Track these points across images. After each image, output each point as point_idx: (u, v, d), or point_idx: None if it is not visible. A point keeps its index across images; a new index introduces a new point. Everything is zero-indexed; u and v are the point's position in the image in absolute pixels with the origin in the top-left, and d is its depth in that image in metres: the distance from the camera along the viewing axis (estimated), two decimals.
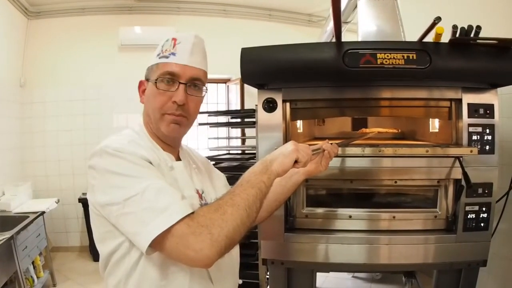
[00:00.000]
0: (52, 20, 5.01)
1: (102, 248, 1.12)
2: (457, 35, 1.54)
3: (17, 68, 4.85)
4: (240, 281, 1.38)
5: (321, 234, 1.86)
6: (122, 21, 5.12)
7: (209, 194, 1.28)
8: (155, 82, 1.17)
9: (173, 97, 1.16)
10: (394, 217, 1.84)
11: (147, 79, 1.22)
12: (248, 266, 3.11)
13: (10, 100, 4.69)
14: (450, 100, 1.80)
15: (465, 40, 1.56)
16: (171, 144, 1.27)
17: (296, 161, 1.19)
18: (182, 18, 5.35)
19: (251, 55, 1.69)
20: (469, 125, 1.73)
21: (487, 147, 1.73)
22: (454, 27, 1.53)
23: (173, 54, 1.18)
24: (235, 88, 5.64)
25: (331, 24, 2.32)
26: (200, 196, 1.23)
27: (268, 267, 1.93)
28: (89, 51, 5.01)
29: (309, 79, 1.73)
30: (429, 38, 1.61)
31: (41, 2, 4.87)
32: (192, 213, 0.98)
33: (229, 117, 3.98)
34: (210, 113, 3.66)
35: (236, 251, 1.34)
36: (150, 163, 1.07)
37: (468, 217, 1.74)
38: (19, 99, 4.89)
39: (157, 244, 0.95)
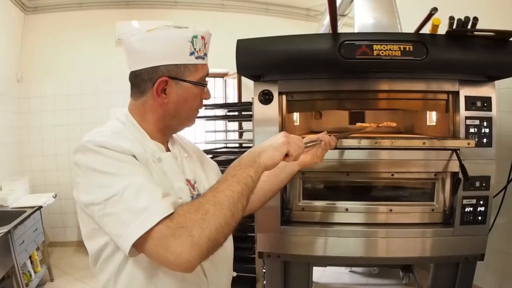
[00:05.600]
0: (49, 15, 4.99)
1: (90, 246, 1.09)
2: (454, 27, 1.53)
3: (14, 63, 4.83)
4: (234, 274, 1.36)
5: (318, 227, 1.86)
6: (119, 15, 5.09)
7: (202, 183, 1.25)
8: (198, 84, 1.16)
9: (204, 95, 1.21)
10: (391, 210, 1.83)
11: (177, 78, 1.12)
12: (244, 260, 3.10)
13: (7, 95, 4.68)
14: (447, 92, 1.79)
15: (462, 32, 1.54)
16: (169, 135, 1.26)
17: (287, 154, 1.13)
18: (179, 12, 5.32)
19: (246, 46, 1.68)
20: (467, 117, 1.72)
21: (485, 140, 1.72)
22: (451, 18, 1.52)
23: (206, 55, 1.18)
24: (232, 82, 5.63)
25: (327, 18, 2.31)
26: (193, 186, 1.20)
27: (264, 260, 1.93)
28: (86, 45, 4.98)
29: (305, 71, 1.71)
30: (426, 30, 1.60)
31: None
32: (173, 213, 0.92)
33: (226, 110, 3.97)
34: (207, 106, 3.64)
35: (230, 244, 1.31)
36: (134, 156, 1.01)
37: (466, 210, 1.74)
38: (16, 93, 4.87)
39: (139, 246, 0.90)
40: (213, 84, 5.89)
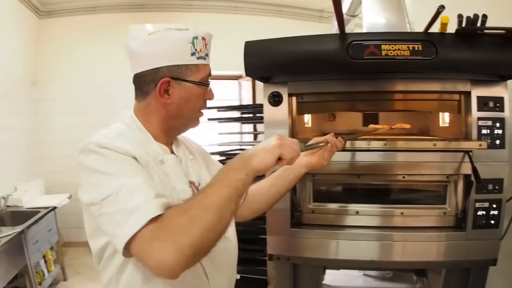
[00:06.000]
0: (63, 19, 5.07)
1: (93, 244, 1.11)
2: (463, 25, 1.50)
3: (29, 66, 4.92)
4: (238, 276, 1.36)
5: (328, 229, 1.83)
6: (133, 19, 5.12)
7: None
8: (200, 84, 1.17)
9: (206, 95, 1.22)
10: (402, 213, 1.80)
11: (179, 78, 1.13)
12: (256, 262, 3.09)
13: (22, 97, 4.77)
14: (459, 93, 1.75)
15: (472, 30, 1.50)
16: (174, 137, 1.27)
17: (280, 158, 1.07)
18: (193, 15, 5.35)
19: (254, 48, 1.67)
20: (479, 118, 1.68)
21: (497, 142, 1.67)
22: (460, 16, 1.49)
23: (207, 55, 1.20)
24: (247, 84, 5.63)
25: None
26: (197, 188, 1.20)
27: (274, 262, 1.91)
28: (100, 48, 5.05)
29: (313, 72, 1.70)
30: (435, 29, 1.57)
31: (52, 2, 4.94)
32: (161, 215, 0.90)
33: (239, 112, 3.97)
34: (220, 109, 3.65)
35: (234, 246, 1.32)
36: (135, 158, 1.03)
37: (478, 214, 1.69)
38: (31, 96, 4.96)
39: (130, 247, 0.90)
40: (227, 87, 5.90)
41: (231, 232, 1.32)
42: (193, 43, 1.13)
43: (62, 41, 5.05)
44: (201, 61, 1.16)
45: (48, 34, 5.04)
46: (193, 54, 1.14)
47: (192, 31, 1.14)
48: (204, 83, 1.18)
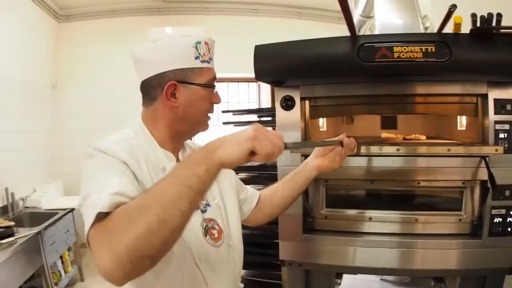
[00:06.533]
0: (82, 22, 5.16)
1: None
2: (478, 25, 1.45)
3: (49, 70, 5.01)
4: (242, 286, 1.34)
5: (340, 236, 1.79)
6: (151, 22, 5.18)
7: (212, 193, 1.26)
8: (205, 86, 1.19)
9: (213, 99, 1.23)
10: (416, 220, 1.75)
11: (185, 81, 1.16)
12: (271, 266, 3.06)
13: (43, 101, 4.85)
14: (476, 95, 1.69)
15: (487, 30, 1.45)
16: (181, 142, 1.28)
17: (253, 152, 0.91)
18: (211, 18, 5.38)
19: (263, 52, 1.65)
20: (496, 122, 1.62)
21: None
22: (473, 15, 1.43)
23: (211, 59, 1.22)
24: (266, 86, 5.62)
25: (355, 18, 2.26)
26: None
27: (286, 268, 1.89)
28: (118, 52, 5.08)
29: (324, 75, 1.66)
30: (449, 29, 1.52)
31: (71, 5, 5.02)
32: (109, 213, 0.83)
33: (256, 115, 3.94)
34: (235, 112, 3.63)
35: (238, 254, 1.31)
36: (125, 163, 1.02)
37: (494, 221, 1.63)
38: (51, 99, 5.05)
39: None
40: (247, 89, 5.90)
41: (237, 240, 1.31)
42: (196, 47, 1.17)
43: (81, 45, 5.12)
44: (205, 65, 1.19)
45: (67, 37, 5.13)
46: (197, 58, 1.17)
47: (194, 36, 1.17)
48: (209, 85, 1.20)
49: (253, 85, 5.95)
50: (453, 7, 1.37)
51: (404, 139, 2.00)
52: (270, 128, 1.00)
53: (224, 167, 0.90)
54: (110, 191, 0.86)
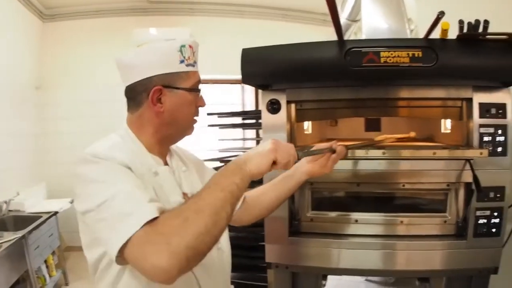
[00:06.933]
0: (67, 22, 5.10)
1: (89, 255, 1.12)
2: (464, 31, 1.47)
3: (33, 71, 4.94)
4: (232, 287, 1.35)
5: (326, 238, 1.80)
6: (136, 23, 5.15)
7: None
8: (191, 90, 1.19)
9: (198, 102, 1.24)
10: (401, 221, 1.77)
11: (171, 86, 1.16)
12: (257, 269, 3.06)
13: (26, 102, 4.79)
14: (461, 99, 1.72)
15: (474, 36, 1.48)
16: (168, 147, 1.28)
17: (275, 162, 1.10)
18: (196, 19, 5.37)
19: (251, 55, 1.65)
20: (480, 125, 1.65)
21: (499, 149, 1.64)
22: (461, 22, 1.46)
23: (195, 62, 1.23)
24: (250, 88, 5.62)
25: (341, 22, 2.27)
26: None
27: (273, 270, 1.89)
28: (104, 52, 5.03)
29: (311, 79, 1.67)
30: (436, 35, 1.54)
31: (56, 5, 4.96)
32: (156, 218, 0.90)
33: (241, 118, 3.94)
34: (220, 115, 3.62)
35: (227, 255, 1.33)
36: (129, 168, 1.04)
37: (479, 222, 1.66)
38: (35, 101, 4.97)
39: (125, 252, 0.89)
40: (230, 91, 5.89)
41: (225, 242, 1.33)
42: (181, 51, 1.17)
43: (66, 45, 5.07)
44: (190, 68, 1.19)
45: (52, 37, 5.06)
46: (182, 61, 1.17)
47: (179, 40, 1.17)
48: (195, 89, 1.21)
49: (237, 87, 5.95)
50: (441, 14, 1.39)
51: (398, 139, 2.01)
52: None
53: (254, 178, 1.06)
54: (145, 199, 0.94)
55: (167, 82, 1.15)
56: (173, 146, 1.33)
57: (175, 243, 0.85)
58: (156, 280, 0.87)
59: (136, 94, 1.17)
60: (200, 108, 1.27)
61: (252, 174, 1.04)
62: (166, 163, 1.25)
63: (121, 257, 0.90)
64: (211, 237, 0.91)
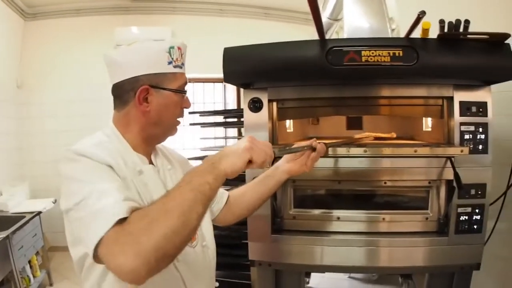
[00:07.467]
0: (49, 21, 5.05)
1: (74, 253, 1.11)
2: (445, 30, 1.48)
3: (14, 69, 4.87)
4: (217, 284, 1.36)
5: (309, 235, 1.81)
6: (118, 21, 5.12)
7: None
8: (177, 92, 1.20)
9: (183, 103, 1.25)
10: (383, 218, 1.78)
11: (158, 87, 1.17)
12: (240, 267, 3.06)
13: (7, 101, 4.72)
14: (442, 98, 1.73)
15: (455, 35, 1.49)
16: (153, 146, 1.29)
17: (250, 161, 1.08)
18: (178, 18, 5.36)
19: (233, 54, 1.65)
20: (461, 123, 1.66)
21: (480, 147, 1.66)
22: (441, 21, 1.47)
23: (183, 64, 1.24)
24: (232, 87, 5.61)
25: (323, 21, 2.27)
26: None
27: (256, 268, 1.90)
28: (86, 51, 5.00)
29: (293, 78, 1.68)
30: (418, 34, 1.55)
31: (38, 4, 4.90)
32: (127, 218, 0.89)
33: (223, 116, 3.94)
34: (202, 113, 3.61)
35: (212, 253, 1.32)
36: (111, 167, 1.03)
37: (461, 219, 1.68)
38: (16, 100, 4.91)
39: (98, 251, 0.88)
40: (212, 89, 5.89)
41: (210, 240, 1.33)
42: (169, 52, 1.18)
43: (48, 44, 5.01)
44: (177, 70, 1.20)
45: (33, 36, 5.00)
46: (170, 63, 1.18)
47: (168, 41, 1.18)
48: (181, 91, 1.22)
49: (219, 85, 5.94)
50: (422, 14, 1.40)
51: (376, 138, 2.03)
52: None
53: (228, 177, 1.03)
54: (119, 197, 0.93)
55: (154, 82, 1.16)
56: (159, 145, 1.33)
57: (141, 244, 0.83)
58: (124, 281, 0.86)
59: (123, 92, 1.17)
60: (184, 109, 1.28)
61: (226, 173, 1.02)
62: (151, 162, 1.25)
63: (97, 255, 0.90)
64: (181, 238, 0.89)
